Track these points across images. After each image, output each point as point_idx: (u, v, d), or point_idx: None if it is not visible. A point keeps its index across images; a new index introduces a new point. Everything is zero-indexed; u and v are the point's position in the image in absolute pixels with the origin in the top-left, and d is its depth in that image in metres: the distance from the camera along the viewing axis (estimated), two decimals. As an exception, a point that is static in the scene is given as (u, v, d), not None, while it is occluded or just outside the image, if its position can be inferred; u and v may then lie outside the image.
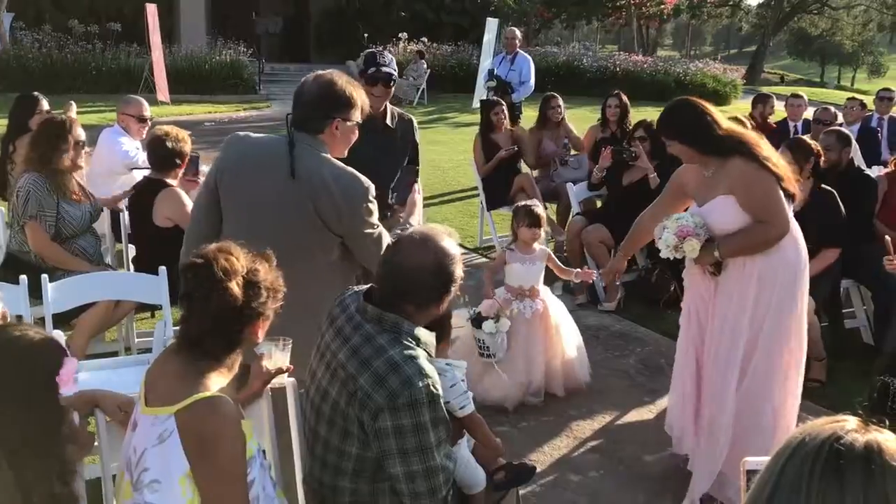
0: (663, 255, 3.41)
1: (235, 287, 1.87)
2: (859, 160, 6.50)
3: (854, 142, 5.64)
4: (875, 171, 5.67)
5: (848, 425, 1.29)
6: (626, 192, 6.00)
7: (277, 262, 2.06)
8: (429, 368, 2.12)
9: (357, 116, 2.88)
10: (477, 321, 4.16)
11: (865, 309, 5.30)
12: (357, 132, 2.94)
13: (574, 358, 4.49)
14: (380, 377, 2.07)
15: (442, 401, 2.13)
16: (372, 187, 2.84)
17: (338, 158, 2.89)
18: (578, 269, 4.45)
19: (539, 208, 4.34)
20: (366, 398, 2.07)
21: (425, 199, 8.84)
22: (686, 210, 3.61)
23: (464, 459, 2.45)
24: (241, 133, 2.97)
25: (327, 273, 2.82)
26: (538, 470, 3.71)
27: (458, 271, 2.24)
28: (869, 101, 9.08)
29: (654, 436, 4.08)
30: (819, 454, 1.26)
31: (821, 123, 6.56)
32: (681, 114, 3.42)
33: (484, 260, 7.07)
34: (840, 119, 7.01)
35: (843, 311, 5.24)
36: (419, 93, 18.13)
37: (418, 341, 2.18)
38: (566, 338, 4.47)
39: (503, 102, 7.37)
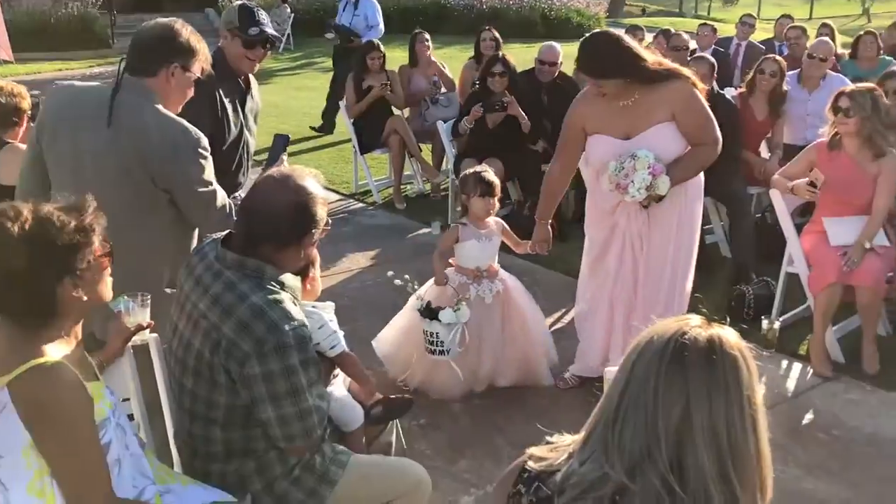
0: (634, 197, 3.30)
1: (12, 252, 1.71)
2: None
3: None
4: (728, 94, 5.92)
5: (692, 322, 1.36)
6: (492, 133, 6.03)
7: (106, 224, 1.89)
8: (295, 311, 2.08)
9: (197, 69, 2.68)
10: (429, 312, 3.55)
11: (722, 224, 5.59)
12: (193, 89, 2.71)
13: (537, 348, 3.93)
14: (244, 324, 2.02)
15: (311, 343, 2.10)
16: (203, 139, 2.61)
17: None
18: (529, 242, 3.88)
19: (491, 174, 3.73)
20: (231, 346, 2.02)
21: (296, 145, 8.67)
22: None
23: (338, 398, 2.45)
24: (65, 83, 2.74)
25: (160, 234, 2.62)
26: (423, 403, 3.77)
27: (321, 211, 2.17)
28: (723, 28, 9.44)
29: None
30: (665, 350, 1.33)
31: (676, 50, 6.76)
32: (613, 49, 3.31)
33: (361, 205, 7.01)
34: (693, 45, 7.26)
35: (704, 227, 5.51)
36: (284, 38, 17.56)
37: (282, 285, 2.14)
38: (530, 324, 3.90)
39: (381, 48, 7.17)
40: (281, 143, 3.25)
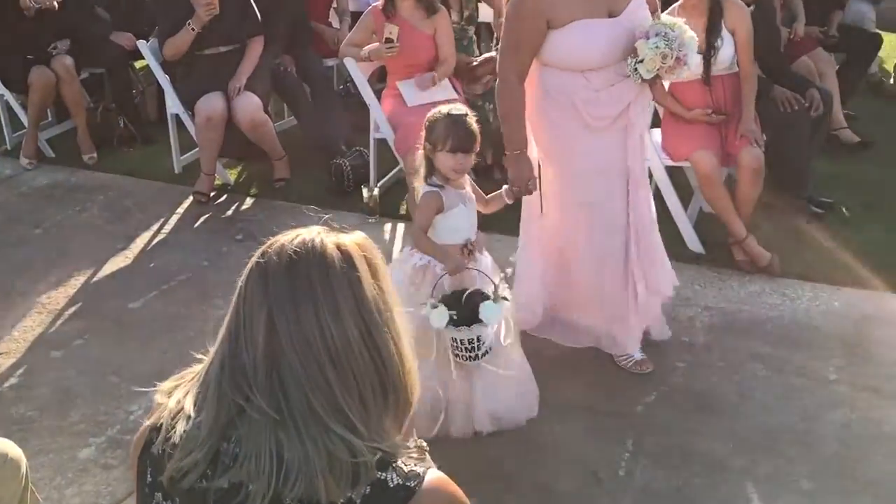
0: (689, 69, 2.81)
1: None
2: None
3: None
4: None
5: (292, 233, 1.18)
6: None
7: None
8: None
9: None
10: (468, 313, 2.56)
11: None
12: None
13: None
14: None
15: None
16: None
17: None
18: (506, 187, 2.86)
19: (471, 119, 2.65)
20: None
21: None
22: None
23: None
24: None
25: None
26: (13, 361, 3.25)
27: None
28: None
29: (138, 283, 3.85)
30: (248, 268, 1.17)
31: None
32: None
33: None
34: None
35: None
36: None
37: None
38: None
39: None
40: None
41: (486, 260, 2.79)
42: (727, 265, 3.79)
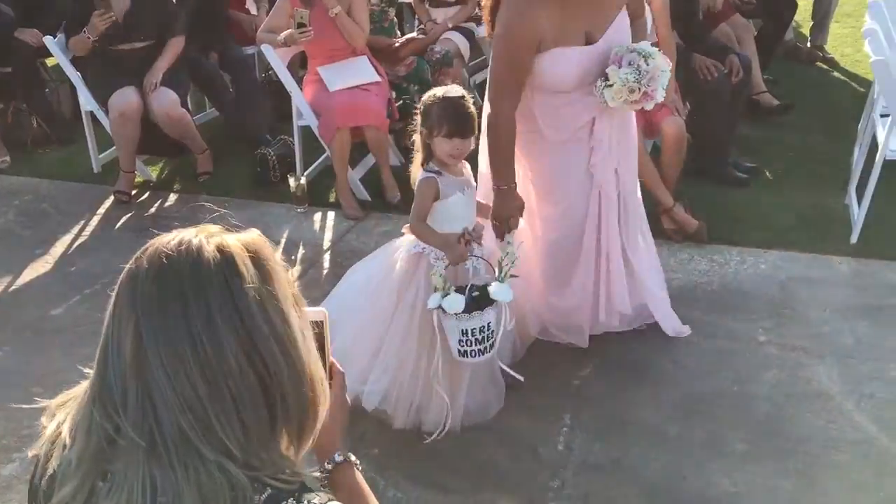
0: (657, 101, 2.70)
1: None
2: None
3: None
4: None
5: (174, 234, 1.04)
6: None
7: None
8: None
9: None
10: (476, 301, 2.51)
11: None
12: None
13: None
14: None
15: None
16: None
17: None
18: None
19: (468, 100, 2.54)
20: None
21: None
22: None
23: None
24: None
25: None
26: None
27: None
28: None
29: (59, 288, 3.71)
30: (123, 275, 1.04)
31: None
32: None
33: None
34: None
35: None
36: None
37: None
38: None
39: None
40: None
41: (486, 245, 2.72)
42: (656, 234, 3.76)
